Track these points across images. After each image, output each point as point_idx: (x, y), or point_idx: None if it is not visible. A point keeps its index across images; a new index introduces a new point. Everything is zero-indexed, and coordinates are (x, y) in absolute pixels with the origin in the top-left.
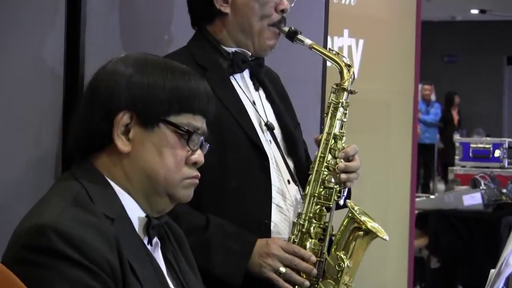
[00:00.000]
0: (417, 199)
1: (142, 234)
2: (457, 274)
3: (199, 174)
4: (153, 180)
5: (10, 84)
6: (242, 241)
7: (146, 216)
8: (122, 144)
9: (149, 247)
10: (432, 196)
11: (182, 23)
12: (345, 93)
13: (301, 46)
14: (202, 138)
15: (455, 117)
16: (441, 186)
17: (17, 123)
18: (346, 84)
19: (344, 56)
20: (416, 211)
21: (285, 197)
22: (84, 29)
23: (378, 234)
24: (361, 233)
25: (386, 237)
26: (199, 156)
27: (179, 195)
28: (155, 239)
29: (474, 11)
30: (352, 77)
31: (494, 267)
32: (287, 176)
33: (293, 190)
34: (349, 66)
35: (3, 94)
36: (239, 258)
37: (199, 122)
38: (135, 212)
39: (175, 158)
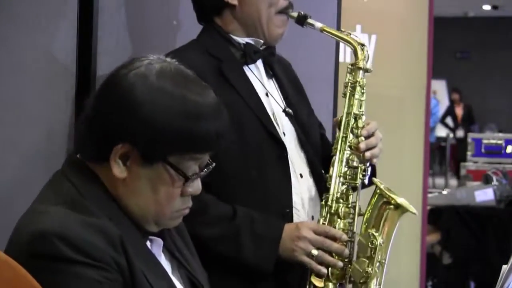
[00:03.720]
0: (429, 195)
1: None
2: (469, 270)
3: (191, 204)
4: (144, 211)
5: (22, 78)
6: (271, 227)
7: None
8: (117, 170)
9: (148, 244)
10: (444, 192)
11: (193, 17)
12: (361, 72)
13: (313, 40)
14: (202, 172)
15: (458, 113)
16: (453, 181)
17: (29, 117)
18: (361, 63)
19: (356, 36)
20: (428, 207)
21: (301, 186)
22: (96, 23)
23: (408, 208)
24: (391, 207)
25: (415, 211)
26: (196, 187)
27: (165, 224)
28: (158, 239)
29: (487, 7)
30: (367, 55)
31: (506, 263)
32: (303, 163)
33: (309, 179)
34: (362, 45)
35: (16, 88)
36: (270, 243)
37: (201, 158)
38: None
39: (169, 195)
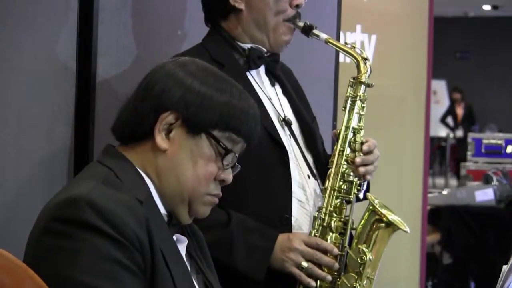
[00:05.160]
0: (429, 195)
1: None
2: (469, 270)
3: (221, 194)
4: (181, 185)
5: (23, 79)
6: (264, 236)
7: (168, 214)
8: (161, 140)
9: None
10: (444, 192)
11: (195, 18)
12: (363, 86)
13: (314, 41)
14: (236, 160)
15: (459, 112)
16: (453, 181)
17: (30, 118)
18: (363, 78)
19: (360, 49)
20: (428, 207)
21: (305, 192)
22: (96, 25)
23: (400, 226)
24: (382, 225)
25: (407, 229)
26: (228, 176)
27: (197, 208)
28: (183, 238)
29: (487, 7)
30: (369, 70)
31: (506, 263)
32: (306, 170)
33: (313, 184)
34: (365, 60)
35: (17, 89)
36: (262, 253)
37: (239, 144)
38: (159, 206)
39: (207, 171)
